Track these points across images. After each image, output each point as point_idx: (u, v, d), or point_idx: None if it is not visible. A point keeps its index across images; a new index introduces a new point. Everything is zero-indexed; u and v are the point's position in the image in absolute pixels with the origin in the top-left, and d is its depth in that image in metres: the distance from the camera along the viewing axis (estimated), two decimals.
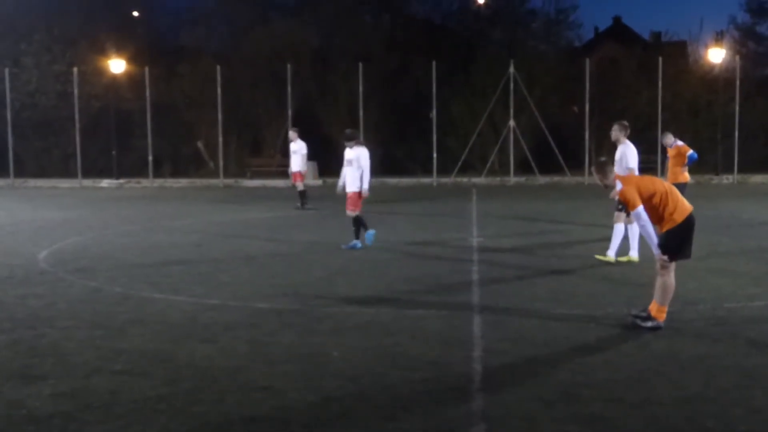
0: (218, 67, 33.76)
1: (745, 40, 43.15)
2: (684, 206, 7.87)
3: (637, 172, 11.35)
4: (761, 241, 14.29)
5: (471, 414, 5.53)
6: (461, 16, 44.86)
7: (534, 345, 7.26)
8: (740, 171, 32.85)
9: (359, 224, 13.54)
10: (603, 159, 8.68)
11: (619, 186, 7.81)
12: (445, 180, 33.11)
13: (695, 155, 15.52)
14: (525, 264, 11.59)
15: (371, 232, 13.58)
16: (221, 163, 34.77)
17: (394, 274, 11.11)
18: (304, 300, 9.39)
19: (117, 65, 35.15)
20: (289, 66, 33.63)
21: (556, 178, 32.87)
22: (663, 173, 19.30)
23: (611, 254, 11.69)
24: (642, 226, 7.70)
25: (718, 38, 38.71)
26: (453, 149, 34.86)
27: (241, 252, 13.39)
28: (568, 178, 32.56)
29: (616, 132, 11.93)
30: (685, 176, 15.58)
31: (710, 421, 5.35)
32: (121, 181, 33.74)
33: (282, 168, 35.63)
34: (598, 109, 34.71)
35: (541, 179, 32.51)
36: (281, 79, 34.55)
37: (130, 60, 36.14)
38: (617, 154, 11.79)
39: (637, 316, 7.91)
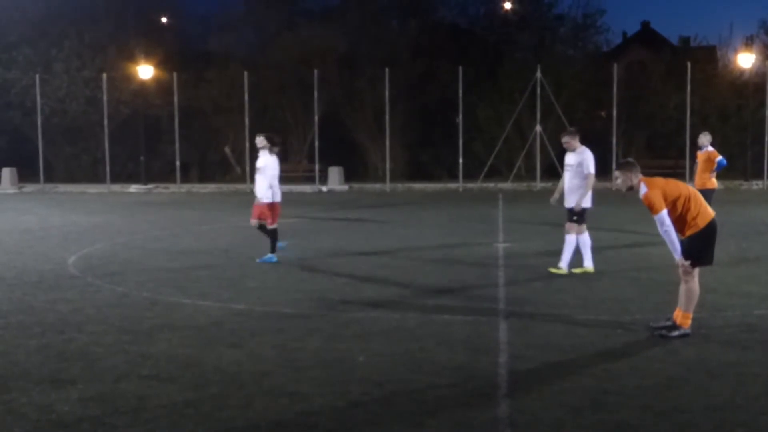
0: (245, 73, 33.96)
1: None
2: (707, 211, 7.77)
3: (593, 179, 11.22)
4: None
5: (497, 420, 5.51)
6: (488, 21, 44.77)
7: (561, 351, 7.23)
8: None
9: (274, 237, 12.86)
10: (629, 159, 8.55)
11: (643, 189, 7.66)
12: (471, 185, 33.04)
13: (725, 161, 15.32)
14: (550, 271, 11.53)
15: (282, 244, 13.12)
16: (248, 168, 34.94)
17: (420, 280, 11.10)
18: (331, 305, 9.42)
19: (145, 71, 35.45)
20: (316, 71, 33.75)
21: None
22: (691, 179, 19.14)
23: (563, 266, 11.21)
24: (665, 232, 7.57)
25: (748, 43, 38.37)
26: (479, 154, 34.81)
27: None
28: (595, 184, 32.36)
29: (568, 139, 11.42)
30: (713, 182, 15.42)
31: (739, 429, 5.30)
32: (150, 186, 34.02)
33: (309, 173, 35.82)
34: (626, 115, 34.52)
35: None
36: (308, 85, 34.69)
37: (159, 66, 36.49)
38: (571, 160, 11.34)
39: (660, 328, 7.80)
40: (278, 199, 12.99)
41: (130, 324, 8.46)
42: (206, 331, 8.13)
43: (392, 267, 12.33)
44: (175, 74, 34.43)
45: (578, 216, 11.22)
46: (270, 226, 12.84)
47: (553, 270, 11.29)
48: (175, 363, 6.98)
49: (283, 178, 31.79)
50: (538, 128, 32.92)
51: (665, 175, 8.50)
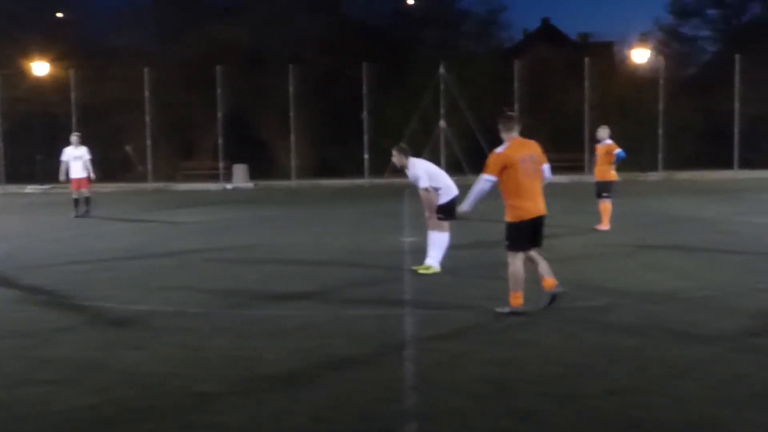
0: (146, 70, 33.29)
1: (668, 40, 44.30)
2: (526, 208, 8.28)
3: (437, 183, 10.92)
4: (687, 236, 14.68)
5: (404, 412, 5.56)
6: (394, 18, 45.10)
7: (466, 342, 7.34)
8: (666, 168, 33.70)
9: None
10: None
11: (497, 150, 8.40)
12: (378, 181, 33.21)
13: (623, 153, 15.79)
14: (457, 263, 11.69)
15: None
16: (150, 166, 34.31)
17: (328, 276, 11.11)
18: (238, 303, 9.34)
19: (40, 67, 34.39)
20: (219, 68, 33.34)
21: None
22: (591, 171, 19.68)
23: (435, 264, 10.99)
24: (474, 190, 8.37)
25: (643, 39, 39.69)
26: (386, 150, 34.97)
27: (173, 256, 13.24)
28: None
29: (397, 158, 11.12)
30: (613, 174, 15.89)
31: (638, 411, 5.48)
32: (47, 186, 33.01)
33: (213, 171, 35.39)
34: (529, 109, 35.26)
35: (472, 179, 32.75)
36: (213, 82, 34.27)
37: (56, 62, 35.46)
38: (410, 178, 11.13)
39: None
40: None
41: (30, 328, 8.20)
42: (109, 334, 7.96)
43: (300, 263, 12.30)
44: (72, 71, 33.50)
45: (445, 213, 10.97)
46: None
47: (419, 269, 11.00)
48: (77, 367, 6.80)
49: (188, 176, 31.56)
50: (442, 124, 33.30)
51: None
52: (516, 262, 8.34)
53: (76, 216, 20.38)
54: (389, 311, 8.73)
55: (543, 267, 8.45)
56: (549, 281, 8.37)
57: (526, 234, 8.36)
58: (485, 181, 8.35)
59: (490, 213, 11.51)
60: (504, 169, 8.25)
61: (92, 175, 21.02)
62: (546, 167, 8.65)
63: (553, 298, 8.37)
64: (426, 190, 10.94)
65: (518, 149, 8.36)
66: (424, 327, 7.95)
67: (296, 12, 41.64)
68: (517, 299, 8.36)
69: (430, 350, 7.07)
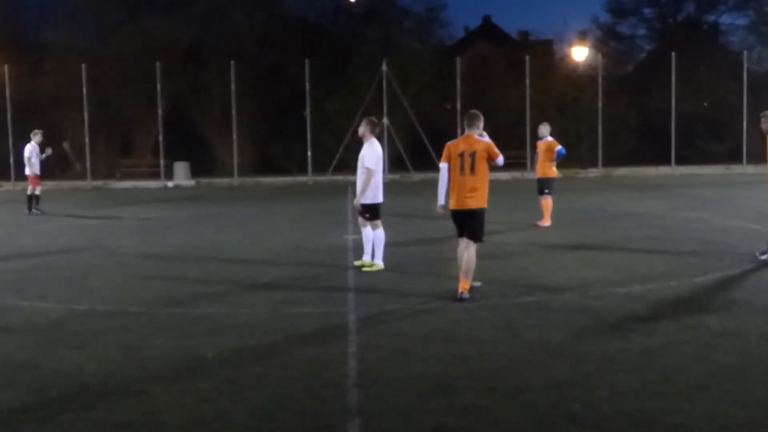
0: (83, 65, 32.72)
1: (606, 39, 45.02)
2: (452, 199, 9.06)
3: (376, 174, 10.84)
4: (625, 232, 14.93)
5: (347, 410, 5.56)
6: (335, 15, 45.00)
7: (409, 339, 7.37)
8: (605, 165, 34.25)
9: None
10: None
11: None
12: (320, 178, 33.15)
13: (563, 150, 15.97)
14: (400, 260, 11.73)
15: None
16: (88, 164, 33.73)
17: (271, 274, 11.06)
18: (179, 302, 9.24)
19: None
20: (158, 64, 32.92)
21: (431, 175, 33.36)
22: (532, 168, 19.91)
23: (378, 261, 11.01)
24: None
25: (582, 37, 40.26)
26: (329, 147, 34.94)
27: (112, 255, 13.03)
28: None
29: (363, 128, 11.13)
30: (554, 171, 16.08)
31: (577, 404, 5.57)
32: None
33: (154, 168, 34.92)
34: (470, 107, 35.48)
35: (416, 176, 32.95)
36: (151, 78, 33.80)
37: None
38: (361, 153, 11.09)
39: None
40: None
41: None
42: (46, 334, 7.81)
43: (241, 262, 12.22)
44: (6, 66, 32.74)
45: (369, 212, 11.00)
46: None
47: (365, 267, 11.01)
48: (12, 367, 6.66)
49: (128, 174, 31.09)
50: (385, 121, 33.34)
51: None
52: (458, 247, 9.13)
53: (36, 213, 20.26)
54: (331, 308, 8.72)
55: (466, 265, 8.97)
56: (463, 283, 8.98)
57: (457, 223, 9.19)
58: (440, 168, 9.25)
59: (429, 210, 11.52)
60: (447, 158, 9.14)
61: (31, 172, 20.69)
62: (499, 159, 9.13)
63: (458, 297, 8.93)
64: (368, 170, 10.86)
65: (458, 145, 9.13)
66: (366, 324, 7.96)
67: (235, 8, 41.27)
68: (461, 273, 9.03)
69: (373, 347, 7.08)
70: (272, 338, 7.47)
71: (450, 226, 9.40)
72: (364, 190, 10.91)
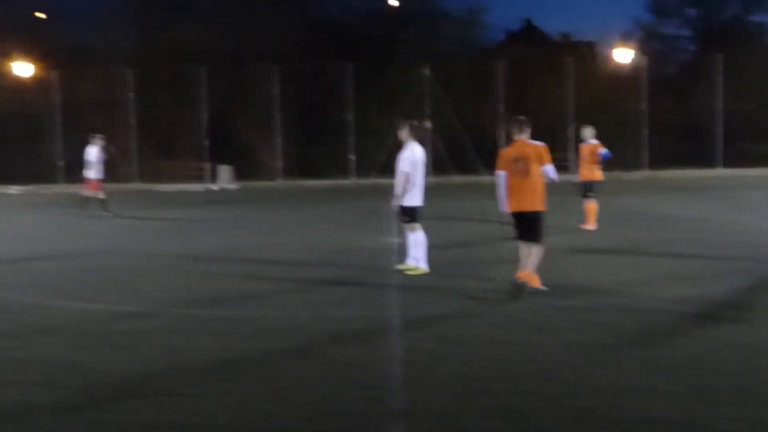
0: (129, 70, 33.17)
1: (649, 40, 44.51)
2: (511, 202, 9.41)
3: (415, 178, 10.79)
4: (670, 235, 14.77)
5: (390, 412, 5.57)
6: (375, 19, 44.99)
7: (452, 342, 7.36)
8: (649, 167, 33.88)
9: None
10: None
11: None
12: (363, 181, 33.22)
13: (609, 153, 15.79)
14: (443, 263, 11.70)
15: None
16: (135, 167, 34.19)
17: (314, 276, 11.11)
18: (223, 304, 9.32)
19: (23, 68, 34.20)
20: (202, 69, 33.28)
21: (473, 178, 33.29)
22: (576, 171, 19.75)
23: (422, 264, 10.97)
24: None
25: (625, 39, 39.86)
26: (371, 151, 34.99)
27: (157, 257, 13.21)
28: (485, 178, 33.02)
29: (403, 132, 11.11)
30: (598, 174, 15.92)
31: (622, 410, 5.51)
32: (30, 187, 32.85)
33: (198, 171, 35.31)
34: (512, 109, 35.34)
35: (458, 179, 32.88)
36: (194, 82, 34.19)
37: (36, 63, 35.25)
38: (399, 156, 11.06)
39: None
40: None
41: (14, 329, 8.16)
42: (95, 335, 7.92)
43: (285, 264, 12.30)
44: (55, 72, 33.35)
45: (407, 215, 10.99)
46: None
47: (409, 271, 10.97)
48: (62, 368, 6.78)
49: (172, 177, 31.38)
50: (427, 124, 33.32)
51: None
52: (520, 248, 9.44)
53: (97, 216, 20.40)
54: (374, 311, 8.74)
55: (528, 259, 9.32)
56: (521, 273, 9.31)
57: (519, 224, 9.45)
58: (496, 175, 9.58)
59: (472, 213, 11.51)
60: (503, 165, 9.44)
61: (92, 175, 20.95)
62: (548, 168, 9.39)
63: (517, 287, 9.17)
64: (405, 173, 10.87)
65: (512, 151, 9.45)
66: (409, 327, 7.96)
67: (276, 13, 41.46)
68: (532, 281, 9.29)
69: (416, 350, 7.08)
70: (315, 340, 7.50)
71: (492, 230, 9.45)
72: (400, 192, 10.94)
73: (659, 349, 7.00)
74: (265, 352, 7.12)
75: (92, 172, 20.78)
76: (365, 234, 15.82)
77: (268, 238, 15.58)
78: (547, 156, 9.38)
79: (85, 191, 20.89)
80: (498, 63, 34.62)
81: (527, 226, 9.35)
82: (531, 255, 9.33)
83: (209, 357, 7.05)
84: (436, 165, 34.08)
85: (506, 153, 9.51)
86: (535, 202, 9.31)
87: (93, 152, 20.84)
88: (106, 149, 21.11)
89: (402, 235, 11.64)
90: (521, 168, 9.25)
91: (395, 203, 11.05)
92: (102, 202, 20.76)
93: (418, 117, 34.10)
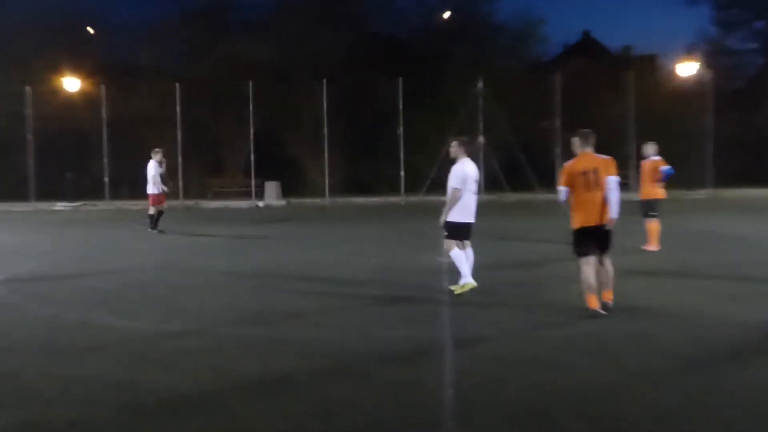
0: (177, 86, 33.71)
1: (714, 53, 43.96)
2: (580, 217, 9.35)
3: (464, 194, 10.79)
4: (737, 257, 14.51)
5: None
6: (426, 32, 45.13)
7: (505, 364, 7.32)
8: (714, 185, 33.36)
9: None
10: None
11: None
12: (413, 199, 33.24)
13: (671, 170, 15.54)
14: (494, 283, 11.66)
15: None
16: (181, 183, 34.66)
17: (362, 294, 11.14)
18: (271, 323, 9.39)
19: (71, 83, 35.01)
20: (251, 83, 33.68)
21: (528, 196, 33.13)
22: (636, 189, 19.53)
23: (467, 279, 10.89)
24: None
25: (689, 52, 39.42)
26: (421, 167, 35.07)
27: (202, 274, 13.34)
28: (540, 196, 32.84)
29: (454, 148, 11.15)
30: (661, 192, 15.71)
31: None
32: (77, 203, 33.51)
33: (245, 188, 35.68)
34: (568, 125, 35.12)
35: (512, 196, 32.74)
36: (241, 98, 34.63)
37: (86, 79, 36.06)
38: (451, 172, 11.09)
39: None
40: None
41: (60, 347, 8.32)
42: (140, 353, 8.03)
43: (332, 282, 12.35)
44: (103, 87, 34.03)
45: (453, 231, 10.95)
46: None
47: (453, 288, 10.98)
48: (106, 386, 6.89)
49: (219, 194, 31.74)
50: (481, 140, 33.32)
51: None
52: (583, 267, 9.25)
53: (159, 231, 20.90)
54: (424, 332, 8.73)
55: (606, 277, 9.38)
56: (606, 293, 9.38)
57: (588, 239, 9.34)
58: (558, 191, 9.56)
59: (524, 233, 11.45)
60: (569, 180, 9.41)
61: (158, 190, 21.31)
62: (612, 179, 9.36)
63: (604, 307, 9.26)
64: (453, 189, 10.94)
65: (578, 164, 9.45)
66: (460, 349, 7.94)
67: (324, 28, 41.89)
68: (591, 302, 9.22)
69: (468, 372, 7.06)
70: (363, 361, 7.51)
71: (545, 249, 9.38)
72: (447, 209, 10.98)
73: (724, 376, 6.89)
74: (312, 373, 7.15)
75: (152, 187, 21.08)
76: (415, 252, 15.82)
77: (315, 256, 15.66)
78: (614, 168, 9.40)
79: (151, 208, 21.20)
80: (555, 76, 34.45)
81: (603, 239, 9.35)
82: (606, 272, 9.37)
83: (255, 377, 7.10)
84: (489, 182, 34.04)
85: (572, 166, 9.46)
86: (606, 215, 9.28)
87: (152, 167, 21.14)
88: (162, 164, 21.38)
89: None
90: (591, 180, 9.24)
91: (441, 220, 11.07)
92: (152, 217, 21.09)
93: (471, 132, 34.22)
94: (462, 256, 10.99)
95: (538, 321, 9.13)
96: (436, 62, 40.60)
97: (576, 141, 9.63)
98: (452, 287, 11.17)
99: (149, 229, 20.95)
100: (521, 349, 7.93)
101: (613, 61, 43.33)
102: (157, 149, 21.61)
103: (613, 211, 9.23)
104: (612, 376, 6.94)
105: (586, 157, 9.45)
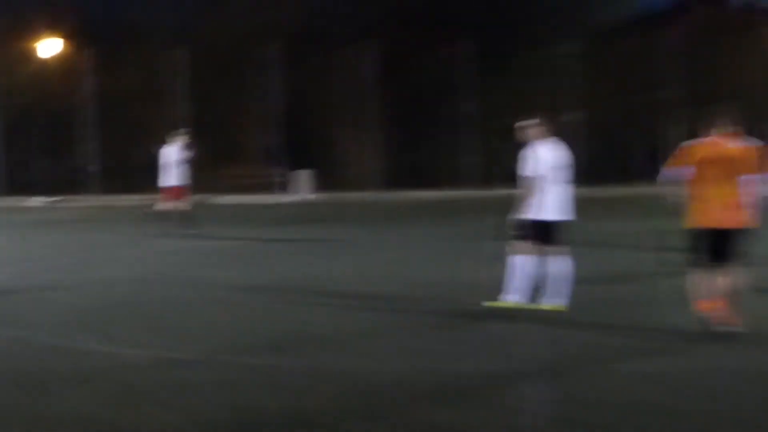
0: (180, 51, 33.89)
1: None
2: (705, 216, 9.24)
3: (545, 185, 10.88)
4: None
5: None
6: None
7: (613, 410, 7.16)
8: None
9: None
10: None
11: None
12: (479, 193, 33.10)
13: None
14: (590, 302, 11.48)
15: None
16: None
17: (411, 316, 11.16)
18: (292, 350, 9.36)
19: (48, 47, 35.29)
20: (270, 49, 33.68)
21: (638, 189, 32.56)
22: None
23: (513, 297, 10.92)
24: None
25: None
26: (493, 152, 34.87)
27: (209, 288, 13.40)
28: (652, 189, 32.36)
29: (530, 128, 11.27)
30: None
31: None
32: (55, 198, 33.87)
33: (265, 179, 35.82)
34: (684, 94, 34.64)
35: (618, 190, 32.30)
36: (263, 65, 34.65)
37: (66, 41, 36.39)
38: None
39: None
40: None
41: (28, 378, 8.34)
42: (134, 387, 8.01)
43: (371, 298, 12.39)
44: (87, 52, 34.35)
45: (533, 232, 10.91)
46: None
47: (494, 304, 11.01)
48: (85, 426, 6.88)
49: (233, 186, 31.92)
50: (575, 116, 33.02)
51: None
52: (692, 277, 9.34)
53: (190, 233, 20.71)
54: (496, 364, 8.68)
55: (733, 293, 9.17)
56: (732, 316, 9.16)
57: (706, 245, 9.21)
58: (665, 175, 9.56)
59: (617, 240, 11.27)
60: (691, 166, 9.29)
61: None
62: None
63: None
64: (526, 179, 10.93)
65: (706, 148, 9.35)
66: (548, 386, 7.94)
67: None
68: (702, 305, 9.24)
69: (565, 422, 6.90)
70: (408, 398, 7.43)
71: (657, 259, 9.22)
72: (521, 204, 10.96)
73: None
74: (344, 413, 7.08)
75: (172, 178, 21.08)
76: (479, 262, 15.61)
77: (350, 266, 15.64)
78: (758, 159, 9.23)
79: (166, 204, 21.15)
80: (669, 34, 34.01)
81: (731, 245, 9.20)
82: (734, 287, 9.20)
83: (274, 419, 7.04)
84: (588, 171, 33.66)
85: (698, 150, 9.35)
86: (743, 214, 9.17)
87: (172, 153, 21.20)
88: (189, 147, 21.31)
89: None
90: (723, 171, 9.11)
91: (512, 217, 10.96)
92: (182, 216, 21.10)
93: (564, 107, 33.97)
94: (525, 267, 10.84)
95: (647, 352, 9.01)
96: (517, 16, 40.26)
97: (710, 120, 9.43)
98: (489, 303, 11.06)
99: (190, 232, 20.62)
100: (631, 388, 7.72)
101: (745, 12, 42.68)
102: (181, 129, 21.60)
103: (754, 212, 9.14)
104: (742, 426, 6.78)
105: (720, 141, 9.30)
